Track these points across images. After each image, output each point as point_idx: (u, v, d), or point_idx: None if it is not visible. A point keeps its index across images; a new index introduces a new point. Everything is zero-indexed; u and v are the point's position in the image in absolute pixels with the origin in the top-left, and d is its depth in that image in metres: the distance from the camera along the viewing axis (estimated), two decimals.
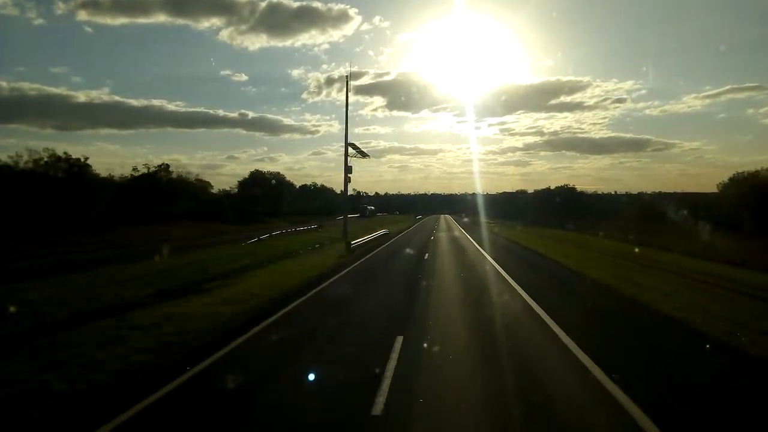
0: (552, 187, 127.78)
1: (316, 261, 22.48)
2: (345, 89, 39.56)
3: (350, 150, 39.19)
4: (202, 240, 40.75)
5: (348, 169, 38.28)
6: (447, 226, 70.79)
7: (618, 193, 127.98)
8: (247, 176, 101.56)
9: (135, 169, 71.65)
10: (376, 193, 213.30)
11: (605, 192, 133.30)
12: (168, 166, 75.15)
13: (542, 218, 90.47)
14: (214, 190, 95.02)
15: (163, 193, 67.41)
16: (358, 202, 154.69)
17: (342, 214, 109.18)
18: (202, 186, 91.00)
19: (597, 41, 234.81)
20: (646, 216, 60.61)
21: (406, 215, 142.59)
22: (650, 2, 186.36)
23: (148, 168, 72.27)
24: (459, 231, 58.02)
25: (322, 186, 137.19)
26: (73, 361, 7.53)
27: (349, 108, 38.01)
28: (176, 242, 39.79)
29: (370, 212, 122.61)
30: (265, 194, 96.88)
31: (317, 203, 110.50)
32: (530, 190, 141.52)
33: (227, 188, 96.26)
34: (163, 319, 10.29)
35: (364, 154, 40.74)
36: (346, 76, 39.38)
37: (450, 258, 25.36)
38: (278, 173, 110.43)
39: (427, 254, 26.15)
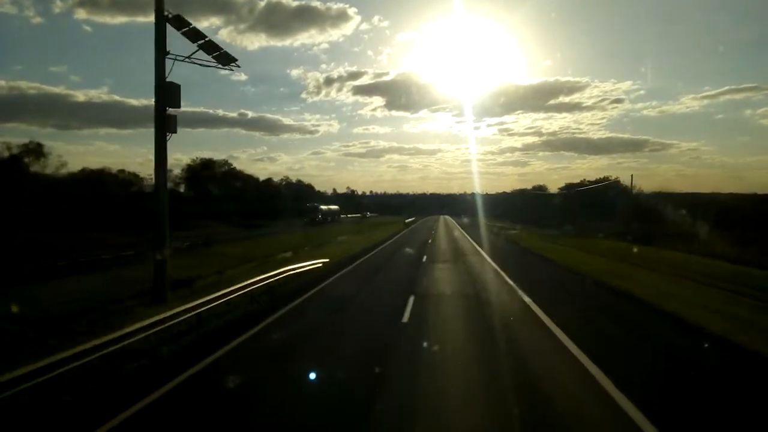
0: (586, 180, 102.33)
1: None
2: None
3: (194, 49, 14.54)
4: None
5: (171, 97, 13.59)
6: (452, 244, 38.54)
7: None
8: (185, 168, 76.37)
9: None
10: (371, 191, 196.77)
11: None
12: (41, 147, 51.53)
13: (576, 220, 67.34)
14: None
15: (16, 188, 43.79)
16: (354, 201, 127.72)
17: (314, 215, 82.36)
18: (126, 180, 67.66)
19: (595, 42, 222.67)
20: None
21: (399, 216, 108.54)
22: (649, 3, 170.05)
23: (10, 150, 48.65)
24: (477, 251, 32.90)
25: (299, 182, 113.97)
26: None
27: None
28: None
29: (326, 215, 79.96)
30: (216, 193, 73.34)
31: (288, 202, 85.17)
32: (553, 189, 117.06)
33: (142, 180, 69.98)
34: None
35: (227, 59, 15.31)
36: None
37: None
38: (227, 162, 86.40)
39: None
